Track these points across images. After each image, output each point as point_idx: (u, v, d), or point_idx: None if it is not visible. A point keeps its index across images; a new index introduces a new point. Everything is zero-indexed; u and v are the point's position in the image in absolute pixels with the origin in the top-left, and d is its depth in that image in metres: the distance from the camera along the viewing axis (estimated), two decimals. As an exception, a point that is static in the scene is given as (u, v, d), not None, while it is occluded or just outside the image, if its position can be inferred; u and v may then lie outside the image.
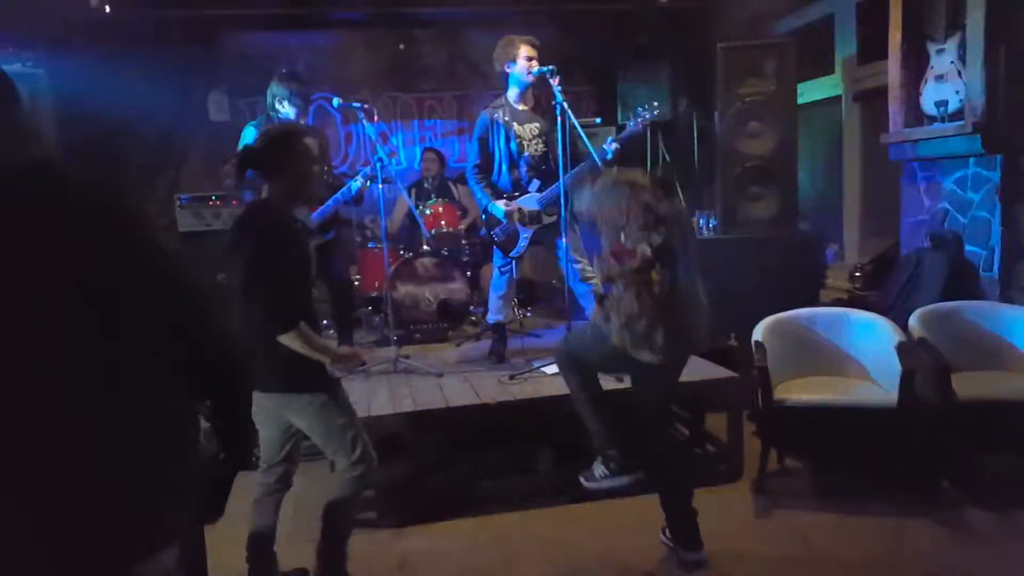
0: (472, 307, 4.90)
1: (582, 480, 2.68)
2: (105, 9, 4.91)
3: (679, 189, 2.63)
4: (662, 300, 2.35)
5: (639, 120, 3.41)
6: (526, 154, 3.63)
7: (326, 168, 3.93)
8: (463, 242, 5.15)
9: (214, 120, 5.94)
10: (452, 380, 3.61)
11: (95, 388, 1.08)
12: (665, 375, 2.53)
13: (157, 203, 5.53)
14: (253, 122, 3.83)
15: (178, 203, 5.28)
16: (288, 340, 2.11)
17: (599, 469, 2.63)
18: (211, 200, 5.34)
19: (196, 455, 1.30)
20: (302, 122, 3.84)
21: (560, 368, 2.79)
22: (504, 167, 3.65)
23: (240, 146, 3.70)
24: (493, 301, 3.88)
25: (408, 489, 3.40)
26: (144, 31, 5.05)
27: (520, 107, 3.65)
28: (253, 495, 2.44)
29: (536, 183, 3.63)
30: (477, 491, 3.29)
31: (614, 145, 3.40)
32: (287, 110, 3.73)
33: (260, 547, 2.40)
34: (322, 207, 3.76)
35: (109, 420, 1.09)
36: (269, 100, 3.78)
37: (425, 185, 5.43)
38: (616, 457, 2.60)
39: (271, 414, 2.33)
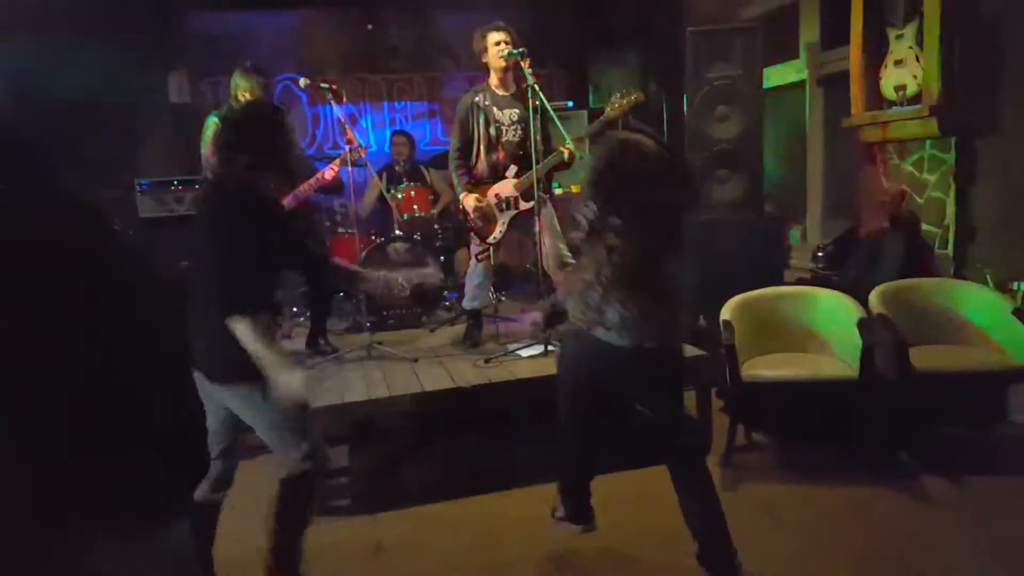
0: (446, 292, 4.90)
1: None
2: (62, -13, 4.74)
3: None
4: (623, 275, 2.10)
5: (618, 108, 3.43)
6: (504, 139, 3.65)
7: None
8: (436, 226, 5.14)
9: (174, 102, 5.79)
10: (427, 365, 3.63)
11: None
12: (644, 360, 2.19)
13: (116, 188, 5.40)
14: (215, 112, 3.80)
15: (138, 188, 5.16)
16: (237, 325, 1.96)
17: (560, 510, 2.50)
18: (173, 185, 5.22)
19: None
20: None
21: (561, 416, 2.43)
22: (483, 151, 3.67)
23: (205, 134, 3.69)
24: (470, 288, 3.90)
25: (384, 475, 3.42)
26: (101, 8, 4.89)
27: (500, 93, 3.67)
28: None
29: (513, 168, 3.66)
30: (455, 475, 3.33)
31: (570, 147, 3.46)
32: (248, 98, 3.68)
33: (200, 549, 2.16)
34: (294, 194, 3.73)
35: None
36: (232, 90, 3.76)
37: (396, 169, 5.38)
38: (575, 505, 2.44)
39: (212, 401, 2.19)
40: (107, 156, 5.48)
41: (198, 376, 2.15)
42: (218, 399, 2.17)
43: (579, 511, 2.47)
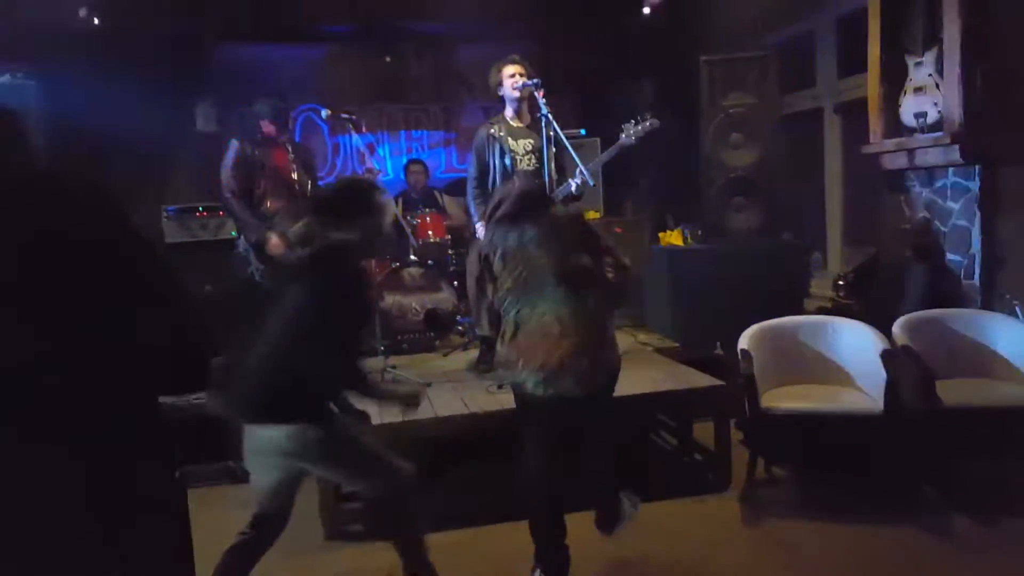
0: (459, 317, 4.90)
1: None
2: (95, 21, 4.91)
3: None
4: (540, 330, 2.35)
5: (632, 134, 3.44)
6: (519, 168, 3.69)
7: (311, 181, 4.00)
8: (450, 252, 5.15)
9: (201, 131, 5.92)
10: (440, 390, 3.60)
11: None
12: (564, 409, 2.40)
13: (143, 214, 5.51)
14: (236, 137, 3.90)
15: (165, 214, 5.26)
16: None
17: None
18: (198, 211, 5.33)
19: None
20: (284, 137, 3.95)
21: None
22: (498, 181, 3.71)
23: (226, 156, 3.76)
24: (483, 315, 3.89)
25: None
26: (133, 42, 5.05)
27: (515, 124, 3.72)
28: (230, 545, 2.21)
29: None
30: (467, 502, 3.27)
31: (577, 181, 3.45)
32: (268, 127, 3.85)
33: None
34: None
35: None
36: (252, 118, 3.90)
37: (412, 195, 5.45)
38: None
39: (271, 453, 2.14)
40: (136, 183, 5.62)
41: (252, 430, 2.13)
42: (277, 447, 2.13)
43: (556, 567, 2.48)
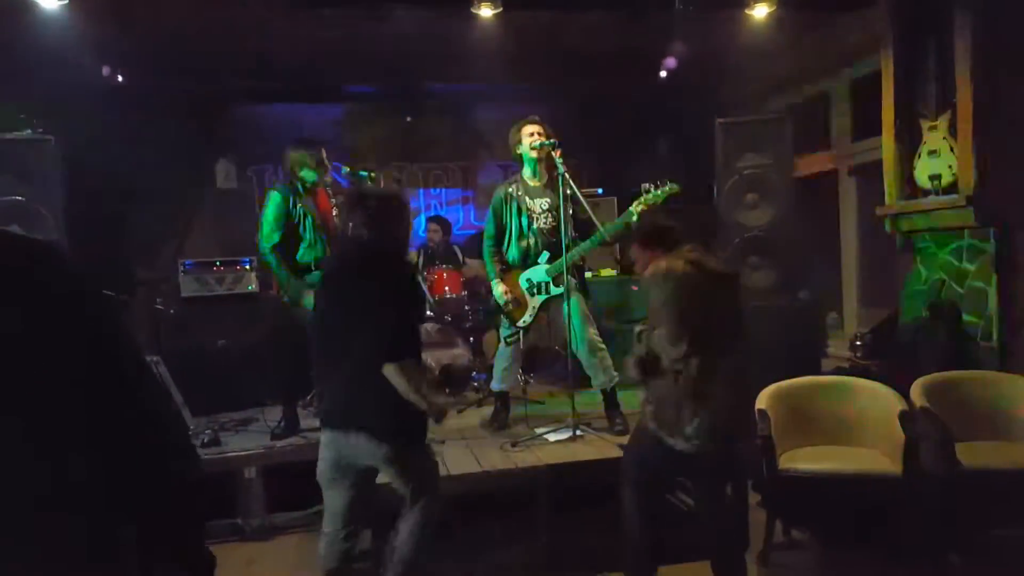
0: (474, 373, 4.89)
1: None
2: (118, 79, 5.09)
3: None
4: (690, 385, 2.34)
5: (649, 196, 3.48)
6: (536, 227, 3.74)
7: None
8: (466, 308, 5.18)
9: (221, 187, 6.07)
10: (454, 447, 3.57)
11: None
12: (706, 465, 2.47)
13: (161, 268, 5.61)
14: (278, 186, 3.88)
15: (182, 269, 5.34)
16: (391, 371, 2.23)
17: None
18: (215, 266, 5.40)
19: None
20: (328, 181, 3.92)
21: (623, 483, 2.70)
22: (515, 239, 3.77)
23: (268, 208, 3.75)
24: (497, 371, 3.89)
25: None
26: (155, 101, 5.22)
27: (532, 183, 3.79)
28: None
29: (546, 254, 3.73)
30: (478, 564, 3.20)
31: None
32: (309, 173, 3.80)
33: None
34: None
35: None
36: (289, 166, 3.84)
37: (431, 251, 5.52)
38: None
39: (354, 469, 2.39)
40: (157, 238, 5.73)
41: (346, 439, 2.31)
42: (365, 461, 2.39)
43: None
